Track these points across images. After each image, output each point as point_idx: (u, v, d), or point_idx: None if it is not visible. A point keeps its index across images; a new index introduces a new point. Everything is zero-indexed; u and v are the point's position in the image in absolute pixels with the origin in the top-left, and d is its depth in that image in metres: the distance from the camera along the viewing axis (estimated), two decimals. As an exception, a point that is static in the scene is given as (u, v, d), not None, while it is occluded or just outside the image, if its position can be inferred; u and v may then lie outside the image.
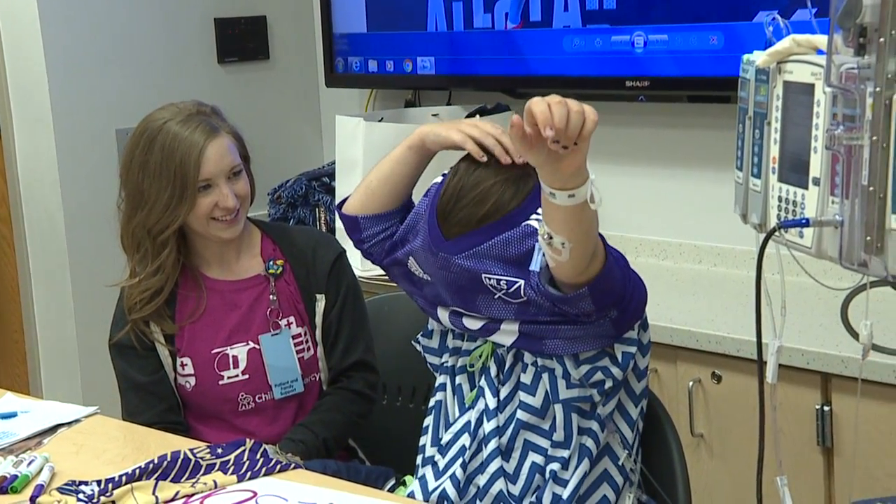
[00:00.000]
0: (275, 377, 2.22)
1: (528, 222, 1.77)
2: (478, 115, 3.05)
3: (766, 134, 1.43)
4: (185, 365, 2.22)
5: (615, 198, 3.04)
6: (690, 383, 2.49)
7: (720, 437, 2.48)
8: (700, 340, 2.46)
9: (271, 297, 2.24)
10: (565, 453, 1.82)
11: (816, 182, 1.30)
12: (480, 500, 1.85)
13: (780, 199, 1.40)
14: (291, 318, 2.25)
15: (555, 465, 1.82)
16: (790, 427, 2.32)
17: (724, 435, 2.47)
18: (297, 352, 2.24)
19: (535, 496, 1.83)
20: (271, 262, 2.26)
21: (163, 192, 2.13)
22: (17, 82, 3.35)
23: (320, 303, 2.26)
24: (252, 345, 2.23)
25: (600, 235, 1.71)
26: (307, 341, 2.26)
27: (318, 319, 2.26)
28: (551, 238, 1.61)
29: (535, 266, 1.73)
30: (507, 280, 1.77)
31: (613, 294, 1.74)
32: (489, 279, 1.78)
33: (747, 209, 1.51)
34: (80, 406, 2.21)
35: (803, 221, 1.31)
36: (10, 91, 3.35)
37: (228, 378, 2.22)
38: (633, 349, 1.82)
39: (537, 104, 1.47)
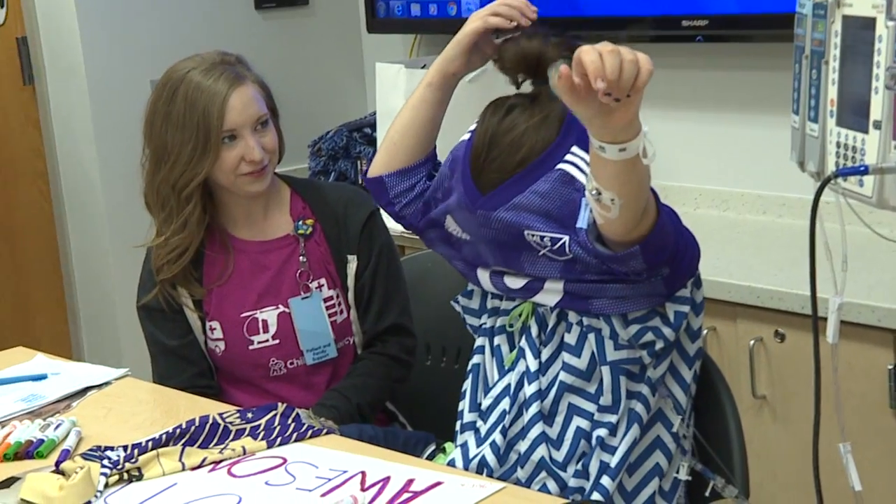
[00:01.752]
0: (306, 342, 2.15)
1: (562, 166, 1.69)
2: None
3: (823, 74, 1.36)
4: (214, 329, 2.16)
5: (673, 146, 2.98)
6: (751, 342, 2.39)
7: (783, 399, 2.38)
8: (762, 297, 2.35)
9: (301, 258, 2.16)
10: (613, 418, 1.73)
11: (877, 125, 1.24)
12: (521, 467, 1.76)
13: (838, 144, 1.33)
14: (322, 281, 2.17)
15: (602, 431, 1.73)
16: (860, 389, 2.22)
17: (788, 397, 2.37)
18: (329, 315, 2.16)
19: (580, 464, 1.74)
20: (300, 222, 2.18)
21: (186, 145, 2.06)
22: (49, 33, 3.31)
23: (352, 264, 2.18)
24: (282, 308, 2.15)
25: (652, 189, 1.60)
26: (339, 304, 2.18)
27: (351, 281, 2.18)
28: (600, 194, 1.51)
29: (581, 223, 1.65)
30: (550, 237, 1.69)
31: (665, 251, 1.65)
32: (532, 235, 1.70)
33: (804, 156, 1.44)
34: (111, 368, 2.17)
35: (862, 168, 1.23)
36: (42, 42, 3.32)
37: (258, 343, 2.15)
38: (685, 308, 1.72)
39: (588, 53, 1.36)
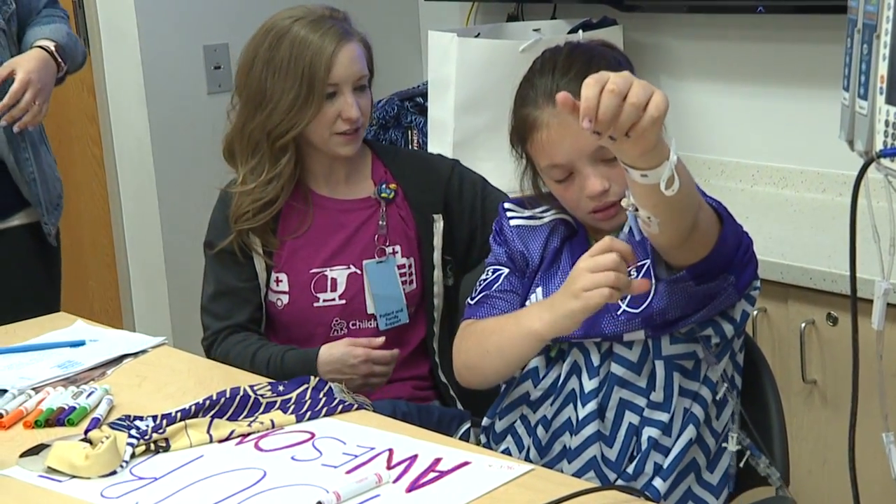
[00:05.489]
0: (380, 307, 2.12)
1: None
2: (580, 31, 2.86)
3: (874, 49, 1.28)
4: (280, 281, 2.13)
5: (731, 121, 2.90)
6: (803, 325, 2.31)
7: (835, 384, 2.31)
8: (814, 278, 2.28)
9: (381, 222, 2.14)
10: (664, 416, 1.67)
11: (927, 105, 1.14)
12: (569, 462, 1.70)
13: (887, 123, 1.26)
14: (398, 247, 2.15)
15: (653, 431, 1.66)
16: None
17: (839, 382, 2.30)
18: (401, 283, 2.14)
19: (632, 466, 1.67)
20: (384, 186, 2.16)
21: (287, 93, 2.05)
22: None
23: (439, 223, 2.15)
24: (353, 269, 2.13)
25: (718, 208, 1.55)
26: (411, 273, 2.15)
27: (437, 241, 2.15)
28: (637, 210, 1.45)
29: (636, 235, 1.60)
30: (636, 266, 1.63)
31: (722, 268, 1.59)
32: None
33: (853, 135, 1.37)
34: (149, 336, 2.16)
35: None
36: (97, 7, 3.30)
37: (324, 301, 2.12)
38: (751, 308, 1.68)
39: (588, 87, 1.28)
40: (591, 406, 1.68)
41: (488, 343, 1.72)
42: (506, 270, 1.81)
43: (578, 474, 1.68)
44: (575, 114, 1.29)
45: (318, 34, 2.05)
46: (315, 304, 2.12)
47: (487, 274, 1.83)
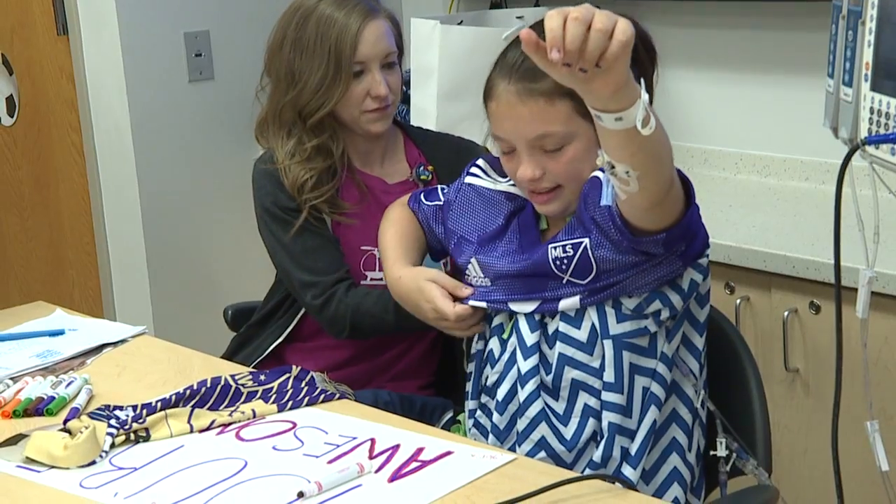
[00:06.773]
0: None
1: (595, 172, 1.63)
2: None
3: (859, 35, 1.27)
4: None
5: (714, 109, 2.89)
6: (786, 313, 2.30)
7: (818, 372, 2.30)
8: (797, 267, 2.26)
9: None
10: (618, 398, 1.64)
11: (912, 91, 1.14)
12: (519, 446, 1.69)
13: (871, 110, 1.25)
14: None
15: (613, 416, 1.64)
16: (896, 365, 2.14)
17: (822, 371, 2.29)
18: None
19: (598, 454, 1.66)
20: (421, 168, 2.16)
21: (315, 72, 2.04)
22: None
23: None
24: None
25: (684, 177, 1.54)
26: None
27: None
28: (613, 167, 1.42)
29: (606, 200, 1.56)
30: (571, 244, 1.63)
31: (684, 236, 1.59)
32: (555, 249, 1.64)
33: (838, 122, 1.36)
34: (128, 325, 2.15)
35: (892, 137, 1.14)
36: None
37: (371, 279, 2.10)
38: (700, 276, 1.66)
39: (551, 18, 1.25)
40: (531, 386, 1.67)
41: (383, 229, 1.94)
42: (442, 201, 1.89)
43: (530, 454, 1.67)
44: (540, 52, 1.25)
45: (343, 12, 2.04)
46: (362, 282, 2.09)
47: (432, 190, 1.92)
